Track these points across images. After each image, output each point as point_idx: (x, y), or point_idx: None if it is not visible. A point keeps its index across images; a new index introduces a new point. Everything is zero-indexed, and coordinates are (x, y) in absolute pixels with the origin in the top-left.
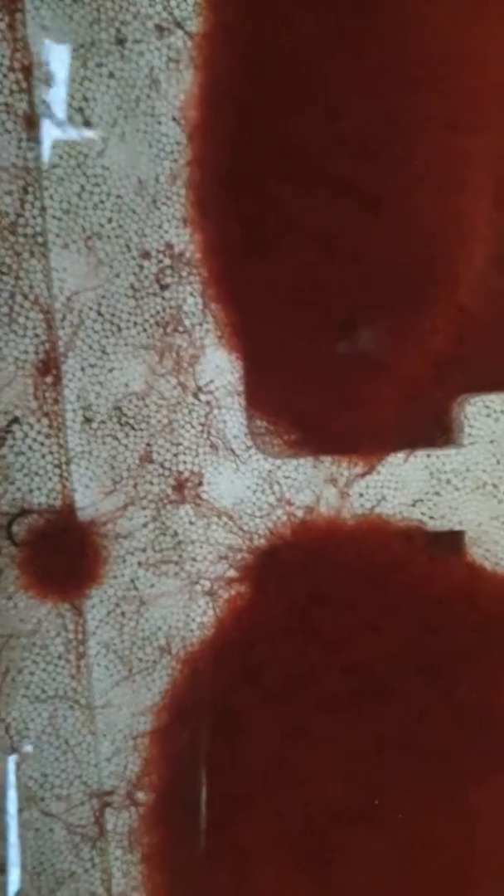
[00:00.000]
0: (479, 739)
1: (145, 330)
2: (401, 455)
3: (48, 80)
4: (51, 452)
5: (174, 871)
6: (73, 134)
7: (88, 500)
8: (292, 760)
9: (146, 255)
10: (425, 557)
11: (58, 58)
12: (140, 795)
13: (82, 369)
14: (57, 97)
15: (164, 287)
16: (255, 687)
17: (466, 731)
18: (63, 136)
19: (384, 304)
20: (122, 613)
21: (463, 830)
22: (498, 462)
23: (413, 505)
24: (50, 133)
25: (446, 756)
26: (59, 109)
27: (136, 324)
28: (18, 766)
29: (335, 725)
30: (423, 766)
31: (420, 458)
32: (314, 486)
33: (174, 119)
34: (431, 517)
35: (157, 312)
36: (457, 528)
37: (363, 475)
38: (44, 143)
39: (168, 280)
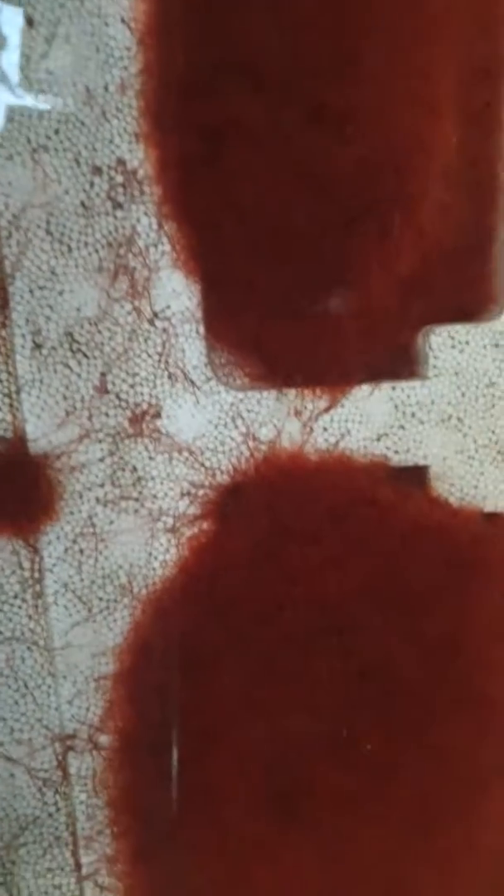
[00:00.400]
0: (446, 674)
1: (97, 251)
2: (365, 388)
3: None
4: None
5: (141, 813)
6: (12, 33)
7: (40, 432)
8: (260, 697)
9: (97, 171)
10: (390, 492)
11: None
12: (103, 738)
13: (31, 291)
14: None
15: (116, 206)
16: (221, 625)
17: (434, 666)
18: (1, 34)
19: (347, 225)
20: (81, 551)
21: (431, 765)
22: (463, 395)
23: (377, 439)
24: None
25: (414, 690)
26: None
27: (87, 244)
28: None
29: (302, 661)
30: (390, 701)
31: (385, 390)
32: (277, 420)
33: (123, 21)
34: (396, 451)
35: (110, 233)
36: (421, 462)
37: (327, 409)
38: None
39: (121, 198)
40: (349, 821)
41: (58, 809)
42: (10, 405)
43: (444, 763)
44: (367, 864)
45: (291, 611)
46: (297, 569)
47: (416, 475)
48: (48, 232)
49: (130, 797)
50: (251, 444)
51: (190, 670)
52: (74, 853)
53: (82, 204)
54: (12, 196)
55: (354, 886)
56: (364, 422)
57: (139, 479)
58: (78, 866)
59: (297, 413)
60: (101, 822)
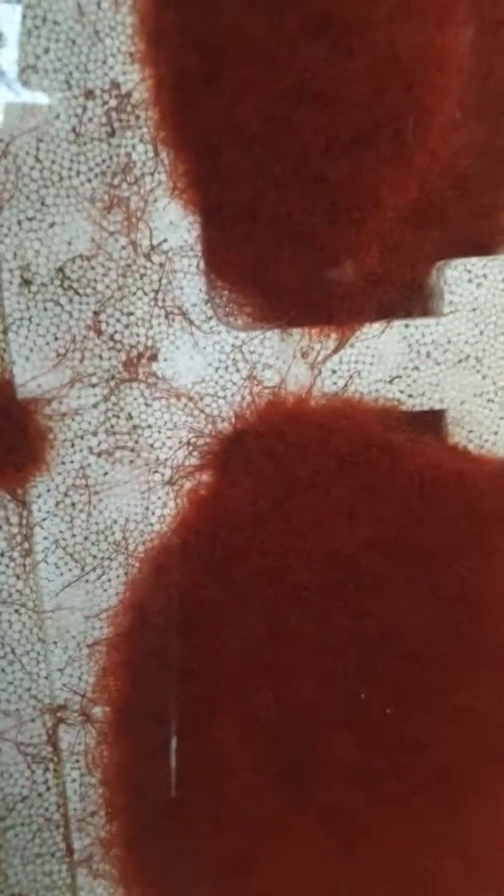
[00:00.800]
0: (467, 633)
1: (90, 180)
2: (376, 326)
3: None
4: None
5: (137, 791)
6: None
7: (29, 375)
8: (265, 661)
9: (89, 94)
10: (404, 439)
11: None
12: (97, 710)
13: (19, 223)
14: None
15: (110, 132)
16: (223, 584)
17: (453, 625)
18: None
19: (355, 146)
20: (72, 504)
21: (452, 732)
22: (481, 333)
23: (390, 382)
24: None
25: (431, 650)
26: None
27: (79, 173)
28: None
29: (311, 621)
30: (406, 664)
31: (397, 328)
32: (283, 362)
33: None
34: (410, 395)
35: (104, 160)
36: (437, 406)
37: (336, 349)
38: None
39: (115, 124)
40: (365, 797)
41: (48, 788)
42: None
43: (467, 730)
44: (385, 845)
45: (299, 567)
46: (305, 522)
47: (432, 420)
48: (37, 159)
49: (126, 774)
50: (254, 388)
51: (190, 633)
52: (66, 836)
53: (73, 130)
54: None
55: (371, 870)
56: (375, 363)
57: (135, 427)
58: (70, 851)
59: (304, 354)
60: (94, 802)
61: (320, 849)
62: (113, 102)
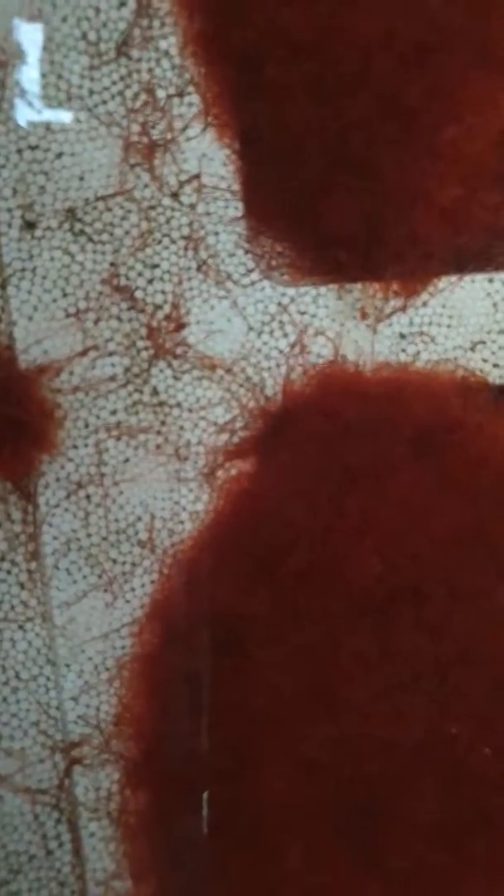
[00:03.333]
0: None
1: (105, 102)
2: (455, 280)
3: None
4: None
5: (168, 848)
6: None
7: (33, 338)
8: (322, 688)
9: None
10: (487, 418)
11: None
12: (119, 747)
13: (19, 152)
14: None
15: (129, 43)
16: (268, 593)
17: None
18: None
19: (434, 55)
20: (87, 497)
21: None
22: None
23: (471, 348)
24: None
25: None
26: None
27: (92, 93)
28: None
29: (376, 639)
30: (496, 692)
31: (480, 284)
32: (339, 325)
33: None
34: (496, 364)
35: (121, 78)
36: None
37: (404, 308)
38: None
39: (135, 33)
40: (450, 859)
41: (60, 845)
42: None
43: None
44: None
45: (357, 571)
46: (367, 519)
47: None
48: (42, 75)
49: (155, 827)
50: (305, 357)
51: (229, 653)
52: None
53: (84, 37)
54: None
55: None
56: (454, 325)
57: (160, 404)
58: None
59: (365, 315)
60: (116, 861)
61: None
62: (132, 5)
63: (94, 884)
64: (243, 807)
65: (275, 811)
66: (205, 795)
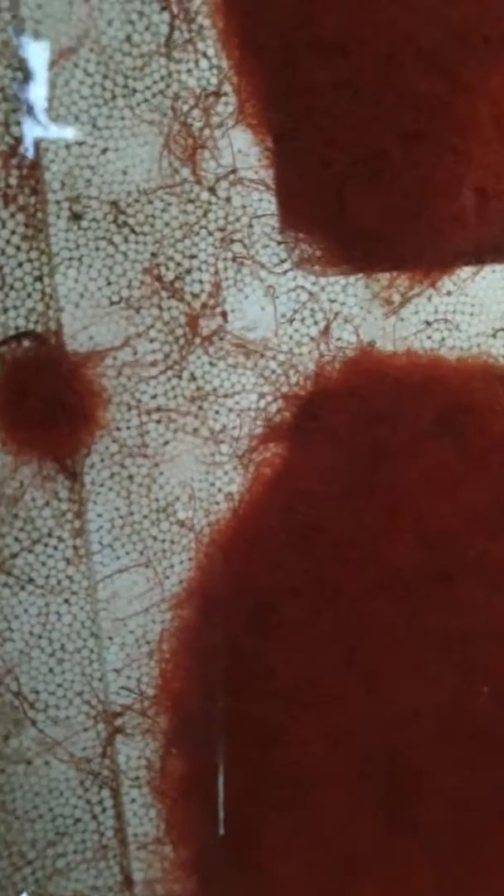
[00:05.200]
0: None
1: (147, 100)
2: (475, 269)
3: None
4: (29, 260)
5: (208, 814)
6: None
7: (80, 324)
8: (357, 659)
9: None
10: None
11: None
12: (160, 717)
13: (67, 147)
14: None
15: (170, 43)
16: (303, 570)
17: None
18: None
19: (459, 54)
20: (130, 477)
21: None
22: None
23: (493, 335)
24: None
25: None
26: None
27: (135, 91)
28: (1, 679)
29: (409, 613)
30: None
31: (500, 272)
32: (368, 313)
33: None
34: None
35: (162, 77)
36: None
37: (429, 297)
38: None
39: (175, 34)
40: (476, 820)
41: (103, 810)
42: (42, 291)
43: None
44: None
45: (392, 549)
46: (398, 498)
47: None
48: (87, 73)
49: (195, 794)
50: (335, 343)
51: (266, 627)
52: (124, 867)
53: (128, 39)
54: (44, 23)
55: None
56: (476, 313)
57: (198, 389)
58: (129, 883)
59: (392, 303)
60: (157, 826)
61: (421, 887)
62: (174, 8)
63: (136, 847)
64: (282, 773)
65: (309, 778)
66: (248, 761)
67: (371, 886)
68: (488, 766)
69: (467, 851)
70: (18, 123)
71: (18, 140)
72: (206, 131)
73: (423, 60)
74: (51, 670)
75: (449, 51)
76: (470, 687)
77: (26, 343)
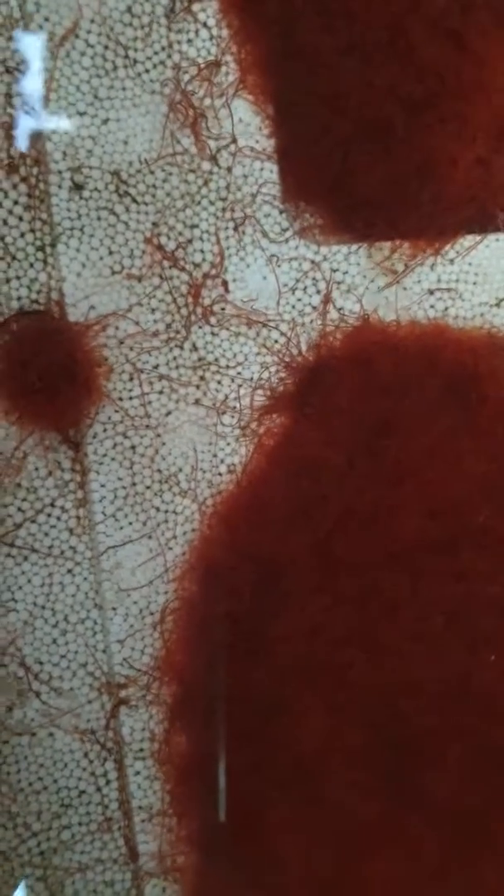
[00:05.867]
0: None
1: (148, 71)
2: (479, 238)
3: None
4: (31, 230)
5: (212, 786)
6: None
7: (81, 293)
8: (361, 630)
9: None
10: None
11: None
12: (164, 689)
13: (69, 118)
14: None
15: (170, 12)
16: (306, 541)
17: None
18: None
19: (464, 17)
20: (132, 448)
21: None
22: None
23: (497, 304)
24: None
25: None
26: None
27: (135, 62)
28: (4, 649)
29: (409, 582)
30: None
31: (503, 241)
32: (371, 282)
33: None
34: None
35: (163, 48)
36: None
37: (432, 266)
38: None
39: (176, 5)
40: (481, 791)
41: (107, 782)
42: (45, 260)
43: None
44: None
45: (392, 520)
46: (401, 467)
47: None
48: (88, 44)
49: (199, 766)
50: (338, 313)
51: (269, 598)
52: (129, 839)
53: (129, 10)
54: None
55: (490, 888)
56: (479, 283)
57: (200, 360)
58: (133, 855)
59: (395, 272)
60: (161, 798)
61: (428, 859)
62: None
63: (141, 820)
64: (286, 746)
65: (312, 750)
66: (252, 733)
67: (375, 859)
68: (493, 736)
69: (472, 824)
70: (20, 94)
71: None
72: (207, 101)
73: (428, 26)
74: (54, 641)
75: (454, 17)
76: (474, 657)
77: (28, 313)
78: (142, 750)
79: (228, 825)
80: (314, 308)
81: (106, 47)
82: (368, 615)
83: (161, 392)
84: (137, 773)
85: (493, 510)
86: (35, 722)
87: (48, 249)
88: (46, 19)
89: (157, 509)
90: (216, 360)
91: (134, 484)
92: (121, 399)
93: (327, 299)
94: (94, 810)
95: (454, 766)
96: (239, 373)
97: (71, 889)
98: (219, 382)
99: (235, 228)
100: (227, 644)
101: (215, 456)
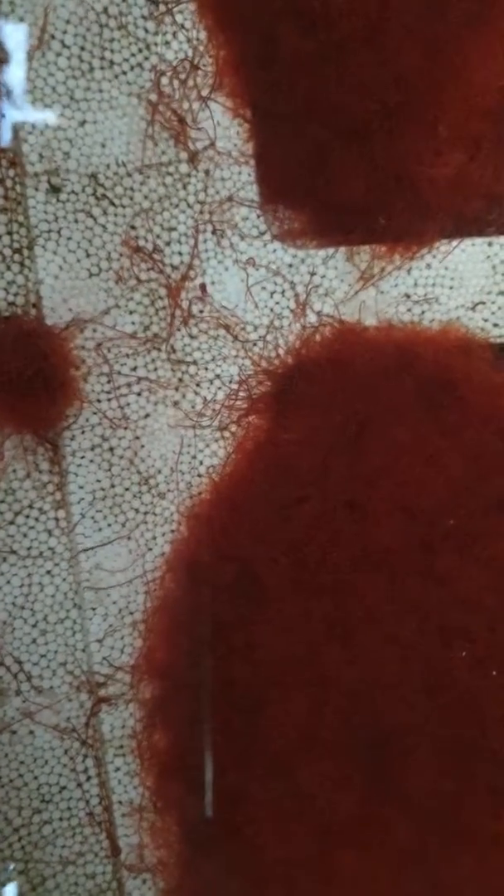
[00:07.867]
0: None
1: (125, 73)
2: (455, 242)
3: None
4: (8, 233)
5: (192, 781)
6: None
7: (59, 297)
8: (338, 629)
9: None
10: (489, 375)
11: None
12: (143, 687)
13: (45, 121)
14: None
15: (147, 16)
16: (283, 541)
17: None
18: None
19: (438, 25)
20: (111, 449)
21: None
22: None
23: (472, 308)
24: None
25: None
26: None
27: (112, 64)
28: None
29: (386, 581)
30: (493, 635)
31: (480, 247)
32: (348, 286)
33: None
34: (496, 324)
35: (140, 50)
36: None
37: (409, 270)
38: None
39: (153, 7)
40: (456, 784)
41: (88, 778)
42: (21, 263)
43: None
44: (479, 846)
45: (369, 519)
46: (377, 469)
47: None
48: (64, 45)
49: (178, 762)
50: (315, 316)
51: (247, 598)
52: (110, 833)
53: (106, 11)
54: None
55: (465, 878)
56: (456, 286)
57: (178, 362)
58: (115, 850)
59: (372, 276)
60: (141, 793)
61: (402, 850)
62: None
63: (122, 815)
64: (265, 742)
65: (292, 745)
66: (231, 730)
67: (352, 851)
68: (465, 730)
69: (448, 817)
70: None
71: None
72: (185, 104)
73: (404, 32)
74: (34, 641)
75: (430, 24)
76: (450, 654)
77: (5, 317)
78: (122, 746)
79: (209, 819)
80: (292, 311)
81: (82, 48)
82: (347, 614)
83: (139, 394)
84: (118, 769)
85: (468, 510)
86: (14, 720)
87: (25, 252)
88: (21, 20)
89: (136, 511)
90: (195, 362)
91: (113, 486)
92: (99, 401)
93: (305, 302)
94: (74, 805)
95: (429, 760)
96: (217, 375)
97: (52, 882)
98: (197, 385)
99: (213, 231)
100: (206, 642)
101: (194, 457)
